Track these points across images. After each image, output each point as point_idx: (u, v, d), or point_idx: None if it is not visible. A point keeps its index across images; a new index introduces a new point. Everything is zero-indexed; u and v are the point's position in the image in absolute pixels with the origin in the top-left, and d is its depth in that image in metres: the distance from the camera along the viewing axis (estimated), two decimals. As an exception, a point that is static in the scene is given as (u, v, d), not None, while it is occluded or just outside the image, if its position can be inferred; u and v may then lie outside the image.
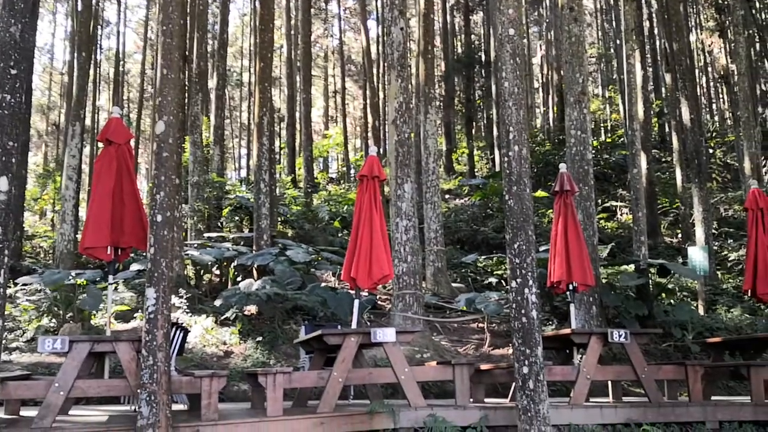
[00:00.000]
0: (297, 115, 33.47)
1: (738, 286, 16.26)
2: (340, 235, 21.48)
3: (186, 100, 18.99)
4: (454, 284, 16.58)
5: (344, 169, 38.71)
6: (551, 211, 12.52)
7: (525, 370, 6.52)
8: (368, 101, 37.00)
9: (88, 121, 27.84)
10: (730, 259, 18.91)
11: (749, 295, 9.90)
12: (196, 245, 16.54)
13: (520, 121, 7.00)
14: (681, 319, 13.23)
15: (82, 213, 20.15)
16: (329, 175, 40.52)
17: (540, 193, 21.69)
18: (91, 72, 26.20)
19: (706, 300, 15.93)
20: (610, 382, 9.05)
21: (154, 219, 6.16)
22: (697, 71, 27.53)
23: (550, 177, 22.09)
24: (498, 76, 7.33)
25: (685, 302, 15.54)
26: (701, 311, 15.42)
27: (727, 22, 23.61)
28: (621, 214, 23.39)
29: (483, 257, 17.95)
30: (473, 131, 35.01)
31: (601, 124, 34.17)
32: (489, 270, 18.03)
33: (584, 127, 12.68)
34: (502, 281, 16.57)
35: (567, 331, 8.13)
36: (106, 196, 7.56)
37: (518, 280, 6.74)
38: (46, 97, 45.18)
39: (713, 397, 8.90)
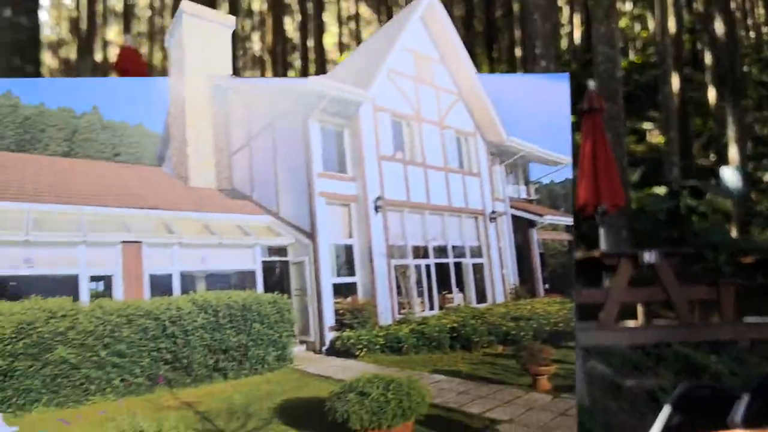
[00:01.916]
0: (310, 43, 33.16)
1: (773, 207, 16.29)
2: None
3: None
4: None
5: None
6: (578, 135, 12.54)
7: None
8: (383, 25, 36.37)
9: (99, 57, 27.87)
10: (765, 179, 18.87)
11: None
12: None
13: (546, 34, 7.00)
14: (713, 241, 13.35)
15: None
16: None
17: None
18: (100, 7, 26.09)
19: (740, 222, 16.02)
20: (639, 306, 9.22)
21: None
22: (731, -17, 26.82)
23: (577, 100, 22.01)
24: (523, -13, 7.34)
25: (718, 224, 15.63)
26: (734, 233, 15.52)
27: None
28: (651, 137, 23.26)
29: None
30: (494, 54, 34.51)
31: (630, 44, 33.51)
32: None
33: (613, 43, 12.52)
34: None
35: (596, 253, 8.27)
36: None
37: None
38: (56, 33, 45.08)
39: (745, 318, 9.08)
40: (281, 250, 7.42)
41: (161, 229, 7.22)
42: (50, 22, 45.13)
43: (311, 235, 7.05)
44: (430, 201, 6.70)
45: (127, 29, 36.04)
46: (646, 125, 23.53)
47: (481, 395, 5.89)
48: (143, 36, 44.79)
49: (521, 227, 6.78)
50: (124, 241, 7.08)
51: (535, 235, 6.55)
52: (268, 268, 7.71)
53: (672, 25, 18.67)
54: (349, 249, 7.14)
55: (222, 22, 7.89)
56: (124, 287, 7.04)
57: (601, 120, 9.58)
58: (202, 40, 7.38)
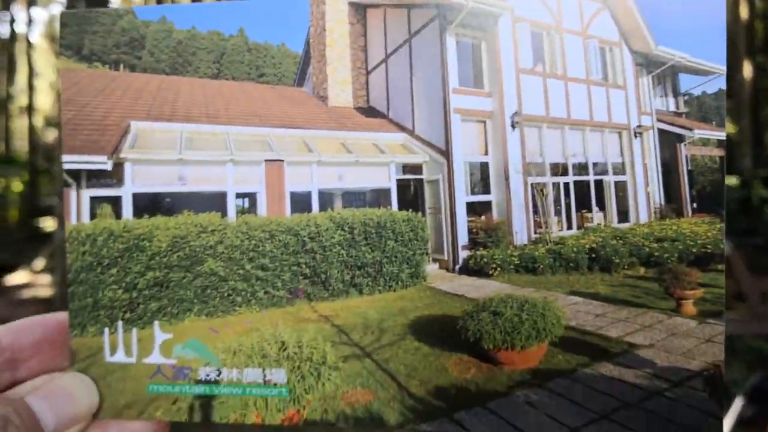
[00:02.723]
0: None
1: None
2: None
3: None
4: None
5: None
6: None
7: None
8: None
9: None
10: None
11: None
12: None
13: None
14: (788, 231, 12.55)
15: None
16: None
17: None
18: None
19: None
20: None
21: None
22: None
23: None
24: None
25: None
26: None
27: None
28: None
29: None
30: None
31: None
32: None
33: None
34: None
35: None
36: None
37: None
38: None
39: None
40: (416, 168, 7.27)
41: (302, 147, 7.21)
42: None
43: (446, 152, 6.83)
44: (571, 116, 6.36)
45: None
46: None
47: (619, 318, 5.57)
48: None
49: (669, 142, 6.36)
50: (267, 160, 7.11)
51: (684, 151, 6.15)
52: (402, 186, 7.61)
53: (744, 12, 17.61)
54: (484, 166, 6.90)
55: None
56: (267, 204, 7.10)
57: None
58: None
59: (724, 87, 5.37)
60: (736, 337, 7.38)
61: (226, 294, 6.71)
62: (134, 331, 3.64)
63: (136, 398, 3.86)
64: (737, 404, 4.39)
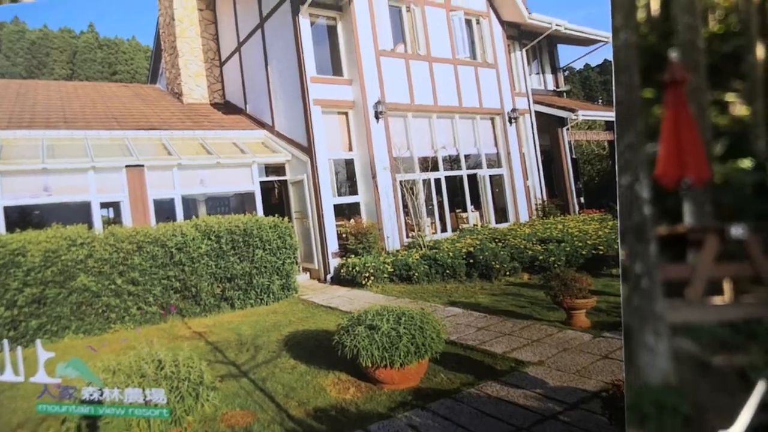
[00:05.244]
0: None
1: None
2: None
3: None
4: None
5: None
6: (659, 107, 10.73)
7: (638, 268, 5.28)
8: None
9: None
10: None
11: None
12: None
13: (624, 5, 5.52)
14: (807, 215, 11.01)
15: None
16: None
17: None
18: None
19: (831, 195, 13.22)
20: (726, 282, 7.61)
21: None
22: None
23: (656, 72, 19.40)
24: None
25: (812, 197, 12.99)
26: (825, 206, 12.79)
27: None
28: (735, 109, 20.17)
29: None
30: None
31: (710, 13, 29.58)
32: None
33: (694, 11, 10.45)
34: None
35: (681, 228, 6.77)
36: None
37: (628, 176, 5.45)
38: None
39: None
40: (279, 169, 6.29)
41: (161, 150, 6.32)
42: None
43: (308, 150, 5.73)
44: (438, 102, 5.25)
45: None
46: (730, 96, 20.40)
47: (504, 332, 4.50)
48: None
49: (549, 127, 5.07)
50: (128, 165, 6.22)
51: (567, 137, 4.82)
52: (266, 189, 6.67)
53: (756, -7, 15.72)
54: (349, 164, 5.85)
55: None
56: (131, 213, 6.25)
57: (684, 91, 7.94)
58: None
59: (610, 57, 4.04)
60: (755, 320, 6.33)
61: (100, 311, 5.85)
62: (19, 349, 3.61)
63: (27, 417, 3.25)
64: (759, 389, 4.15)
